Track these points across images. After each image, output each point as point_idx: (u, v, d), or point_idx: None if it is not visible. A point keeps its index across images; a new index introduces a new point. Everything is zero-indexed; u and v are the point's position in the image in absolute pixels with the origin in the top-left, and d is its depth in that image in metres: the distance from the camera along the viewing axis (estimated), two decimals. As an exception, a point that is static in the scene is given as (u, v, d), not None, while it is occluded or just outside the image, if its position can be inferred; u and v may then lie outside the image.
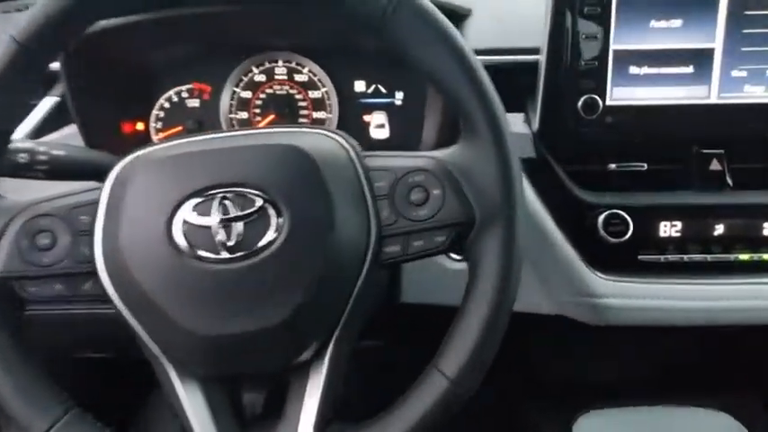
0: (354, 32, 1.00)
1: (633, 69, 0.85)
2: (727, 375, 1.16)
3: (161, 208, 0.56)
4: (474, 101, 0.59)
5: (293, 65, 1.12)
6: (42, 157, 0.68)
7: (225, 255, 0.55)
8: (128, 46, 1.03)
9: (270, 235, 0.55)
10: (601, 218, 0.83)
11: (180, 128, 1.13)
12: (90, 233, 0.57)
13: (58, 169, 0.70)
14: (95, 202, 0.57)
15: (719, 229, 0.85)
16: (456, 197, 0.59)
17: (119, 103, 1.08)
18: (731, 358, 1.15)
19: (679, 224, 0.85)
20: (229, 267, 0.55)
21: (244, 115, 1.13)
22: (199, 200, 0.56)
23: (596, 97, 0.85)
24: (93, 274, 0.57)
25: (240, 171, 0.57)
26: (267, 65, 1.12)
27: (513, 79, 0.95)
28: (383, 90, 1.12)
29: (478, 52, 0.94)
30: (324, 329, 0.59)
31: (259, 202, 0.55)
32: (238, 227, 0.55)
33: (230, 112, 1.13)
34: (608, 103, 0.85)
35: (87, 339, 1.03)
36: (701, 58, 0.84)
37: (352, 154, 0.61)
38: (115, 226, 0.56)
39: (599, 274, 0.84)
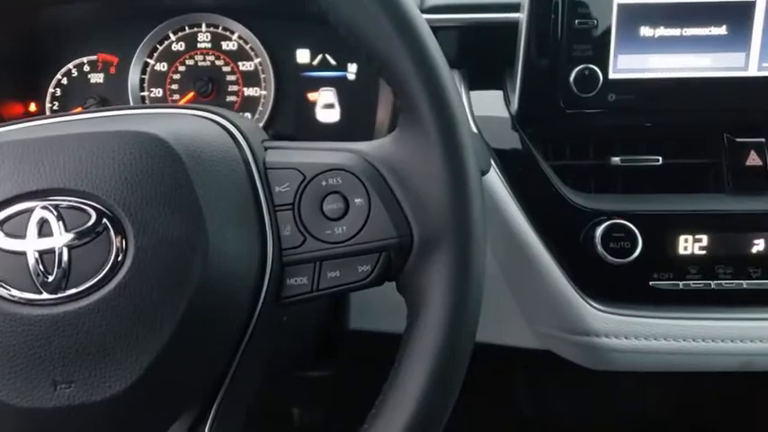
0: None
1: (644, 30, 0.68)
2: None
3: None
4: (411, 72, 0.46)
5: (219, 30, 0.91)
6: None
7: (45, 295, 0.42)
8: (10, 3, 0.81)
9: (109, 265, 0.42)
10: (599, 230, 0.64)
11: (79, 109, 0.92)
12: None
13: None
14: None
15: (759, 246, 0.67)
16: (386, 209, 0.47)
17: (0, 79, 0.86)
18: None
19: (705, 239, 0.67)
20: (51, 313, 0.42)
21: (158, 92, 0.93)
22: (7, 214, 0.43)
23: (595, 68, 0.68)
24: None
25: (67, 172, 0.43)
26: (187, 30, 0.92)
27: (488, 46, 0.74)
28: (332, 61, 0.93)
29: (440, 9, 0.75)
30: (198, 394, 0.47)
31: (94, 218, 0.43)
32: (63, 254, 0.42)
33: (141, 89, 0.92)
34: (611, 75, 0.69)
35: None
36: (736, 16, 0.67)
37: (243, 145, 0.49)
38: None
39: (596, 305, 0.65)
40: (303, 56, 0.93)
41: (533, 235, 0.68)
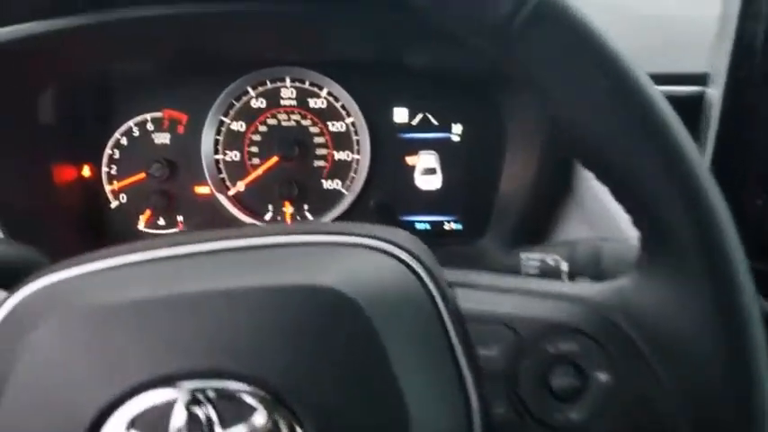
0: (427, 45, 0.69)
1: None
2: None
3: (73, 414, 0.32)
4: (670, 191, 0.33)
5: (306, 85, 0.79)
6: None
7: None
8: (61, 58, 0.69)
9: None
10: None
11: (142, 175, 0.78)
12: None
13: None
14: None
15: None
16: (639, 387, 0.35)
17: (51, 138, 0.74)
18: None
19: None
20: None
21: (235, 156, 0.80)
22: (139, 408, 0.32)
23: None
24: None
25: (218, 346, 0.32)
26: (269, 85, 0.80)
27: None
28: (434, 121, 0.82)
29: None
30: None
31: (261, 412, 0.32)
32: None
33: (216, 152, 0.79)
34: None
35: None
36: None
37: (431, 287, 0.36)
38: None
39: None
40: (401, 115, 0.81)
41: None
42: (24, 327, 0.33)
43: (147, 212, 0.80)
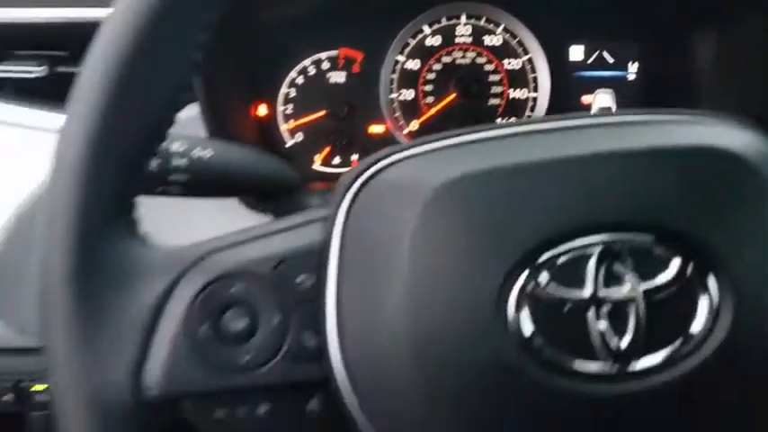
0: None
1: None
2: None
3: (480, 269, 0.32)
4: None
5: (482, 23, 0.79)
6: (180, 162, 0.47)
7: (610, 366, 0.32)
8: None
9: (698, 327, 0.32)
10: None
11: (323, 112, 0.79)
12: (319, 309, 0.34)
13: (204, 181, 0.49)
14: (323, 251, 0.34)
15: None
16: None
17: (227, 78, 0.75)
18: None
19: None
20: (620, 391, 0.32)
21: (409, 94, 0.80)
22: (563, 257, 0.32)
23: None
24: (325, 385, 0.34)
25: (632, 201, 0.33)
26: (444, 22, 0.79)
27: None
28: (609, 59, 0.80)
29: None
30: None
31: (677, 263, 0.32)
32: (638, 311, 0.31)
33: (391, 91, 0.78)
34: None
35: None
36: None
37: None
38: (374, 299, 0.33)
39: None
40: (576, 53, 0.80)
41: None
42: (387, 204, 0.33)
43: (326, 150, 0.81)
